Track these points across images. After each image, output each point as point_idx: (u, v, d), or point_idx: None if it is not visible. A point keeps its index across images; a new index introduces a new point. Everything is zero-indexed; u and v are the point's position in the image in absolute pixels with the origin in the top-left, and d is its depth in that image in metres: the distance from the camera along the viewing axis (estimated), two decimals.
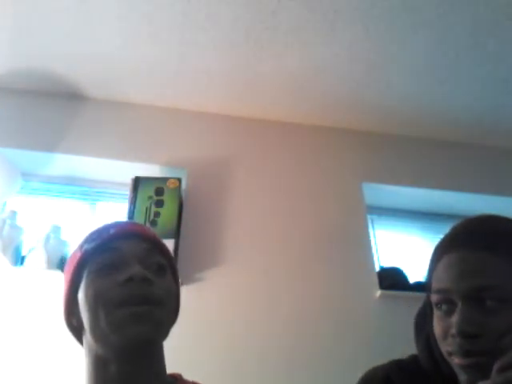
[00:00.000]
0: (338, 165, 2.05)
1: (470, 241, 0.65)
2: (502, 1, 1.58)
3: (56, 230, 1.64)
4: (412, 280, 1.82)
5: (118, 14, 1.64)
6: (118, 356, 0.64)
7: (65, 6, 1.61)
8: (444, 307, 0.64)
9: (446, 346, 0.63)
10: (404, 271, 1.84)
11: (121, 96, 2.01)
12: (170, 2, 1.59)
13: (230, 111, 2.09)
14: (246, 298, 1.61)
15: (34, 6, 1.61)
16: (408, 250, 2.08)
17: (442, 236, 0.71)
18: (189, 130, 2.02)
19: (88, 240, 0.71)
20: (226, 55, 1.80)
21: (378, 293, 1.69)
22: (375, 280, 1.74)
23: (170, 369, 0.72)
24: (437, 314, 0.66)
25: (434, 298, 0.66)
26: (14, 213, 1.62)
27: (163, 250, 0.74)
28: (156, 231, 1.52)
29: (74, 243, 1.62)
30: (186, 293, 1.37)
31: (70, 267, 0.71)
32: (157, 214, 1.63)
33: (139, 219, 1.61)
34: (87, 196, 1.95)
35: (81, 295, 0.67)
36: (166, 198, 1.68)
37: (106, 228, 0.72)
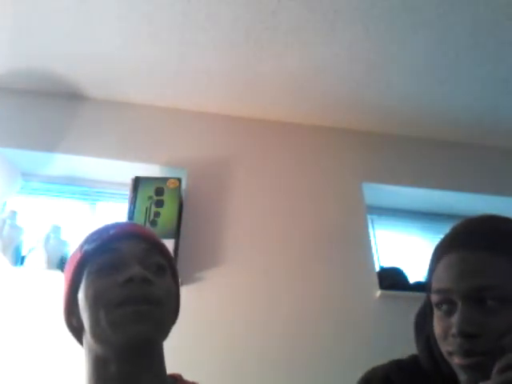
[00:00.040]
0: (337, 165, 2.05)
1: (470, 241, 0.65)
2: (502, 1, 1.58)
3: (56, 229, 1.64)
4: (412, 280, 1.82)
5: (117, 14, 1.64)
6: (117, 356, 0.64)
7: (65, 6, 1.61)
8: (444, 307, 0.64)
9: (446, 346, 0.63)
10: (404, 271, 1.84)
11: (121, 96, 2.01)
12: (169, 1, 1.59)
13: (229, 111, 2.09)
14: (245, 298, 1.61)
15: (34, 5, 1.61)
16: (408, 249, 2.08)
17: (442, 236, 0.71)
18: (189, 130, 2.02)
19: (88, 241, 0.71)
20: (226, 55, 1.80)
21: (378, 293, 1.69)
22: (375, 280, 1.74)
23: (170, 369, 0.72)
24: (437, 314, 0.66)
25: (434, 298, 0.66)
26: (14, 213, 1.62)
27: (163, 250, 0.74)
28: (156, 231, 1.53)
29: (74, 243, 1.62)
30: (186, 293, 1.37)
31: (69, 268, 0.71)
32: (157, 214, 1.63)
33: (139, 219, 1.61)
34: (87, 196, 1.95)
35: (81, 296, 0.67)
36: (166, 197, 1.68)
37: (106, 229, 0.72)
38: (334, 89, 1.97)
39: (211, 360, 1.44)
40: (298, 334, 1.56)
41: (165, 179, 1.73)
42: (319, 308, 1.63)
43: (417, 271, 1.90)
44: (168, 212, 1.64)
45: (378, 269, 1.81)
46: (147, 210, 1.64)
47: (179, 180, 1.73)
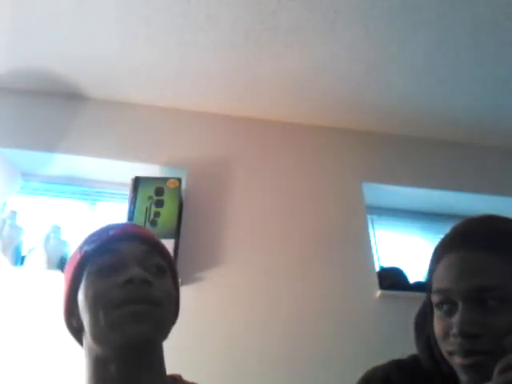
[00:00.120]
0: (338, 165, 2.05)
1: (470, 241, 0.65)
2: (502, 1, 1.58)
3: (56, 229, 1.64)
4: (412, 280, 1.82)
5: (116, 17, 1.64)
6: (117, 356, 0.64)
7: (63, 9, 1.61)
8: (444, 307, 0.64)
9: (446, 346, 0.63)
10: (404, 271, 1.84)
11: (121, 96, 2.01)
12: (168, 4, 1.59)
13: (229, 111, 2.09)
14: (245, 298, 1.61)
15: (32, 8, 1.61)
16: (408, 249, 2.08)
17: (442, 236, 0.71)
18: (189, 130, 2.02)
19: (87, 241, 0.71)
20: (225, 56, 1.80)
21: (378, 293, 1.69)
22: (375, 280, 1.74)
23: (170, 369, 0.72)
24: (437, 314, 0.66)
25: (435, 298, 0.66)
26: (14, 213, 1.62)
27: (163, 251, 0.74)
28: (156, 231, 1.53)
29: (74, 243, 1.62)
30: (186, 293, 1.37)
31: (69, 268, 0.71)
32: (157, 214, 1.63)
33: (139, 219, 1.61)
34: (87, 196, 1.95)
35: (80, 296, 0.67)
36: (166, 197, 1.68)
37: (106, 229, 0.72)
38: (334, 89, 1.97)
39: (211, 360, 1.44)
40: (298, 334, 1.56)
41: (165, 179, 1.73)
42: (319, 308, 1.63)
43: (417, 271, 1.90)
44: (168, 212, 1.64)
45: (378, 269, 1.81)
46: (147, 210, 1.64)
47: (179, 180, 1.73)
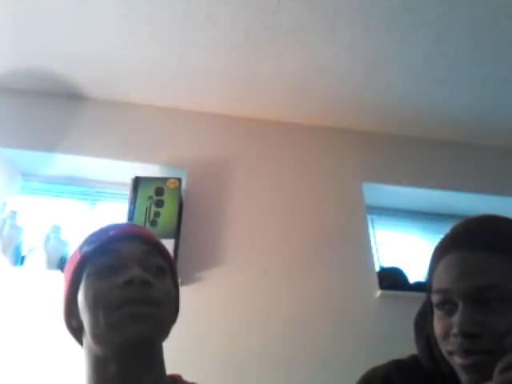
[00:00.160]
0: (338, 165, 2.05)
1: (470, 241, 0.65)
2: (502, 1, 1.58)
3: (56, 229, 1.64)
4: (412, 280, 1.81)
5: (117, 14, 1.64)
6: (117, 356, 0.64)
7: (65, 6, 1.61)
8: (444, 307, 0.64)
9: (446, 346, 0.63)
10: (404, 271, 1.84)
11: (121, 96, 2.01)
12: (170, 1, 1.59)
13: (230, 111, 2.09)
14: (246, 298, 1.61)
15: (34, 6, 1.61)
16: (408, 249, 2.08)
17: (442, 236, 0.71)
18: (189, 130, 2.02)
19: (87, 242, 0.71)
20: (226, 55, 1.80)
21: (378, 293, 1.69)
22: (375, 280, 1.74)
23: (170, 369, 0.72)
24: (437, 314, 0.66)
25: (435, 298, 0.66)
26: (14, 213, 1.62)
27: (163, 251, 0.74)
28: (156, 231, 1.53)
29: (73, 243, 1.62)
30: (186, 293, 1.37)
31: (69, 269, 0.71)
32: (157, 214, 1.63)
33: (139, 219, 1.61)
34: (87, 196, 1.95)
35: (80, 297, 0.67)
36: (166, 197, 1.68)
37: (106, 230, 0.72)
38: (334, 89, 1.97)
39: (211, 360, 1.44)
40: (298, 334, 1.56)
41: (165, 179, 1.73)
42: (319, 308, 1.63)
43: (417, 271, 1.90)
44: (168, 212, 1.64)
45: (378, 269, 1.81)
46: (147, 209, 1.64)
47: (179, 180, 1.73)
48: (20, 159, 1.79)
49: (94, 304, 0.64)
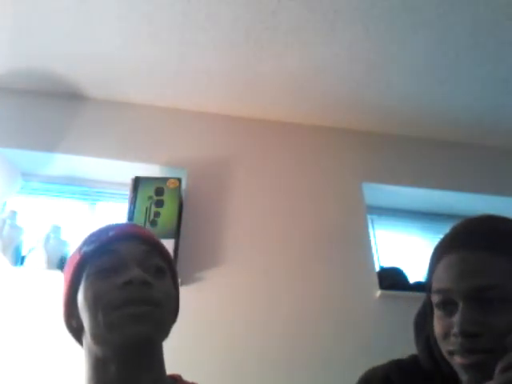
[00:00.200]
0: (338, 165, 2.05)
1: (469, 241, 0.65)
2: (502, 1, 1.58)
3: (56, 229, 1.64)
4: (412, 280, 1.81)
5: (117, 14, 1.64)
6: (117, 356, 0.64)
7: (65, 6, 1.61)
8: (445, 307, 0.64)
9: (446, 346, 0.63)
10: (404, 271, 1.84)
11: (121, 96, 2.01)
12: (170, 1, 1.59)
13: (229, 111, 2.09)
14: (246, 298, 1.61)
15: (34, 5, 1.61)
16: (408, 249, 2.08)
17: (442, 236, 0.71)
18: (189, 130, 2.02)
19: (87, 242, 0.71)
20: (226, 55, 1.80)
21: (378, 293, 1.69)
22: (375, 280, 1.73)
23: (169, 369, 0.72)
24: (437, 314, 0.66)
25: (435, 298, 0.66)
26: (14, 213, 1.62)
27: (162, 252, 0.74)
28: (156, 231, 1.53)
29: (73, 243, 1.62)
30: (186, 293, 1.37)
31: (69, 269, 0.71)
32: (157, 214, 1.63)
33: (139, 219, 1.61)
34: (87, 196, 1.95)
35: (80, 297, 0.67)
36: (166, 197, 1.68)
37: (105, 230, 0.72)
38: (334, 89, 1.97)
39: (211, 360, 1.44)
40: (298, 334, 1.56)
41: (165, 179, 1.73)
42: (319, 308, 1.63)
43: (417, 271, 1.90)
44: (168, 212, 1.64)
45: (378, 269, 1.81)
46: (147, 209, 1.64)
47: (179, 180, 1.73)
48: (20, 159, 1.79)
49: (94, 304, 0.64)
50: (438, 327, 0.65)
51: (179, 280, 0.81)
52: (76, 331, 0.70)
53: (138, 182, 1.70)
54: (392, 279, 1.77)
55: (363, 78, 1.91)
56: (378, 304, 1.68)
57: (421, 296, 0.77)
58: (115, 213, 1.91)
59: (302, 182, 1.95)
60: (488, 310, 0.60)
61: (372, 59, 1.82)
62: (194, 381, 0.75)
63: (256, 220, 1.80)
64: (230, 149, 1.99)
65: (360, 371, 0.80)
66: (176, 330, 0.73)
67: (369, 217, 1.98)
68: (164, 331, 0.68)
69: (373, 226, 2.07)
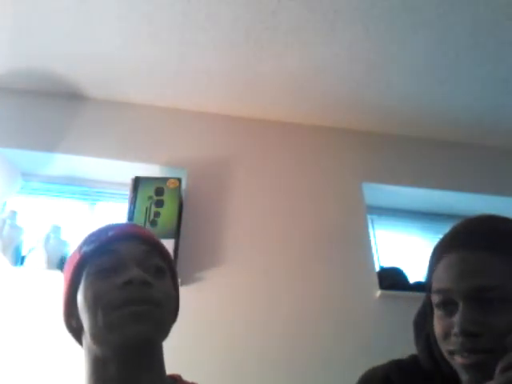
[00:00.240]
0: (338, 165, 2.05)
1: (469, 241, 0.65)
2: (502, 1, 1.58)
3: (56, 229, 1.64)
4: (412, 280, 1.81)
5: (118, 14, 1.64)
6: (117, 356, 0.64)
7: (65, 6, 1.61)
8: (445, 307, 0.64)
9: (447, 346, 0.63)
10: (404, 271, 1.84)
11: (121, 96, 2.01)
12: (170, 1, 1.59)
13: (229, 111, 2.09)
14: (245, 298, 1.61)
15: (34, 6, 1.61)
16: (408, 249, 2.08)
17: (442, 236, 0.71)
18: (189, 130, 2.02)
19: (87, 242, 0.71)
20: (226, 55, 1.80)
21: (378, 293, 1.69)
22: (375, 280, 1.74)
23: (169, 369, 0.72)
24: (437, 314, 0.66)
25: (435, 298, 0.66)
26: (14, 213, 1.62)
27: (162, 252, 0.74)
28: (156, 231, 1.53)
29: (73, 243, 1.62)
30: (186, 293, 1.37)
31: (68, 269, 0.71)
32: (157, 214, 1.63)
33: (139, 219, 1.61)
34: (87, 196, 1.95)
35: (80, 297, 0.67)
36: (166, 197, 1.68)
37: (105, 230, 0.72)
38: (334, 89, 1.97)
39: (211, 360, 1.44)
40: (298, 334, 1.56)
41: (165, 179, 1.73)
42: (319, 308, 1.63)
43: (417, 271, 1.90)
44: (168, 212, 1.64)
45: (378, 269, 1.81)
46: (147, 209, 1.64)
47: (179, 180, 1.73)
48: (20, 159, 1.79)
49: (94, 304, 0.64)
50: (438, 327, 0.65)
51: (179, 280, 0.81)
52: (76, 331, 0.70)
53: (137, 182, 1.70)
54: (392, 279, 1.77)
55: (363, 78, 1.91)
56: (378, 304, 1.68)
57: (421, 296, 0.77)
58: (115, 213, 1.91)
59: (302, 182, 1.95)
60: (488, 310, 0.60)
61: (372, 59, 1.82)
62: (194, 381, 0.75)
63: (256, 220, 1.80)
64: (230, 149, 1.99)
65: (360, 371, 0.80)
66: (176, 330, 0.73)
67: (369, 217, 1.98)
68: (164, 331, 0.68)
69: (373, 226, 2.07)
